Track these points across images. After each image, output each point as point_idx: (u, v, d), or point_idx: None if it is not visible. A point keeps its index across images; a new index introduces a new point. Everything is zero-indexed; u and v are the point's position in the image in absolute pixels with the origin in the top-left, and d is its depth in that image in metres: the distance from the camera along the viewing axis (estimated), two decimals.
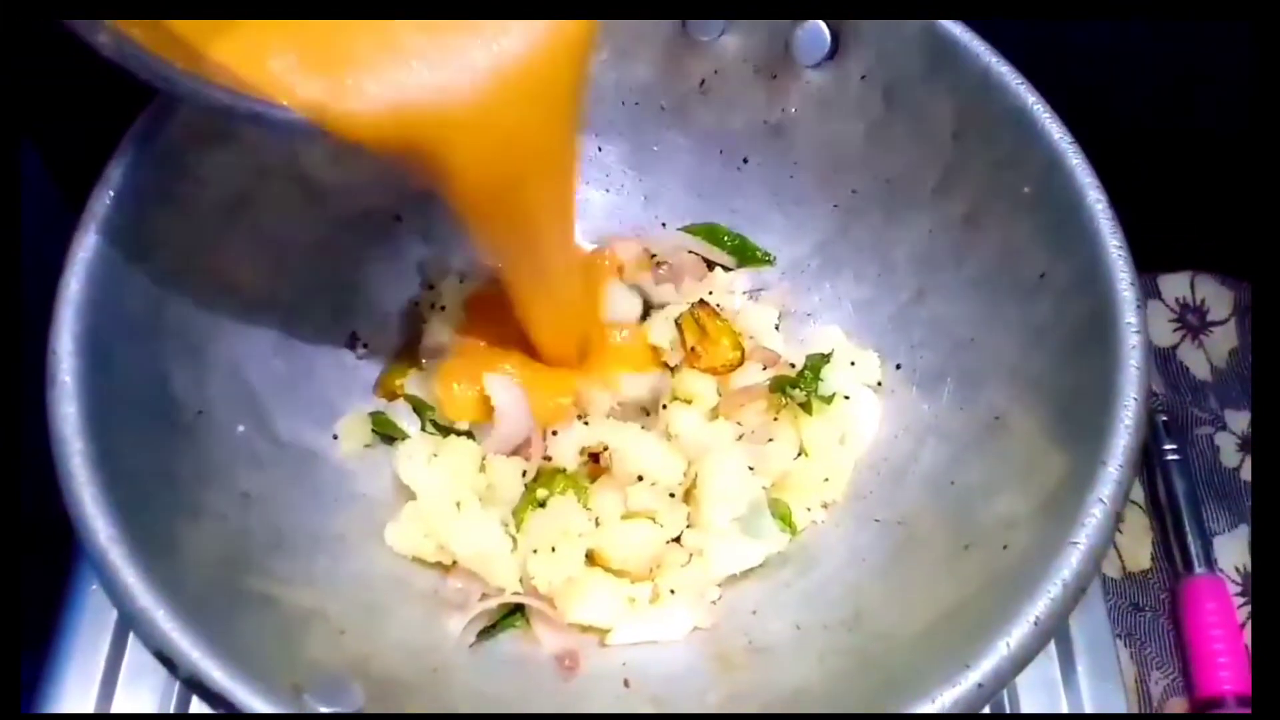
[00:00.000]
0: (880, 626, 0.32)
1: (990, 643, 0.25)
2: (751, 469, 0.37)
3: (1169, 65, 0.53)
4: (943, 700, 0.24)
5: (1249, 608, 0.52)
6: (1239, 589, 0.52)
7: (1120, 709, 0.37)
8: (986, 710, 0.37)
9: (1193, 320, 0.60)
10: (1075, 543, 0.26)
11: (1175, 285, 0.60)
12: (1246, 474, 0.56)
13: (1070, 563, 0.26)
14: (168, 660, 0.24)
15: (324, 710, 0.25)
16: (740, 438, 0.38)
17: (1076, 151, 0.33)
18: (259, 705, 0.24)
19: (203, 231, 0.35)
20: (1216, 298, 0.60)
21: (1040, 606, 0.25)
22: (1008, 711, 0.38)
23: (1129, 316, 0.30)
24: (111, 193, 0.31)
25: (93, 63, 0.25)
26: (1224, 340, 0.59)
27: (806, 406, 0.39)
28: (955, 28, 0.35)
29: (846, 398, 0.39)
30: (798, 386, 0.39)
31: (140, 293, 0.32)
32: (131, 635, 0.38)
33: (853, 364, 0.40)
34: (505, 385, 0.38)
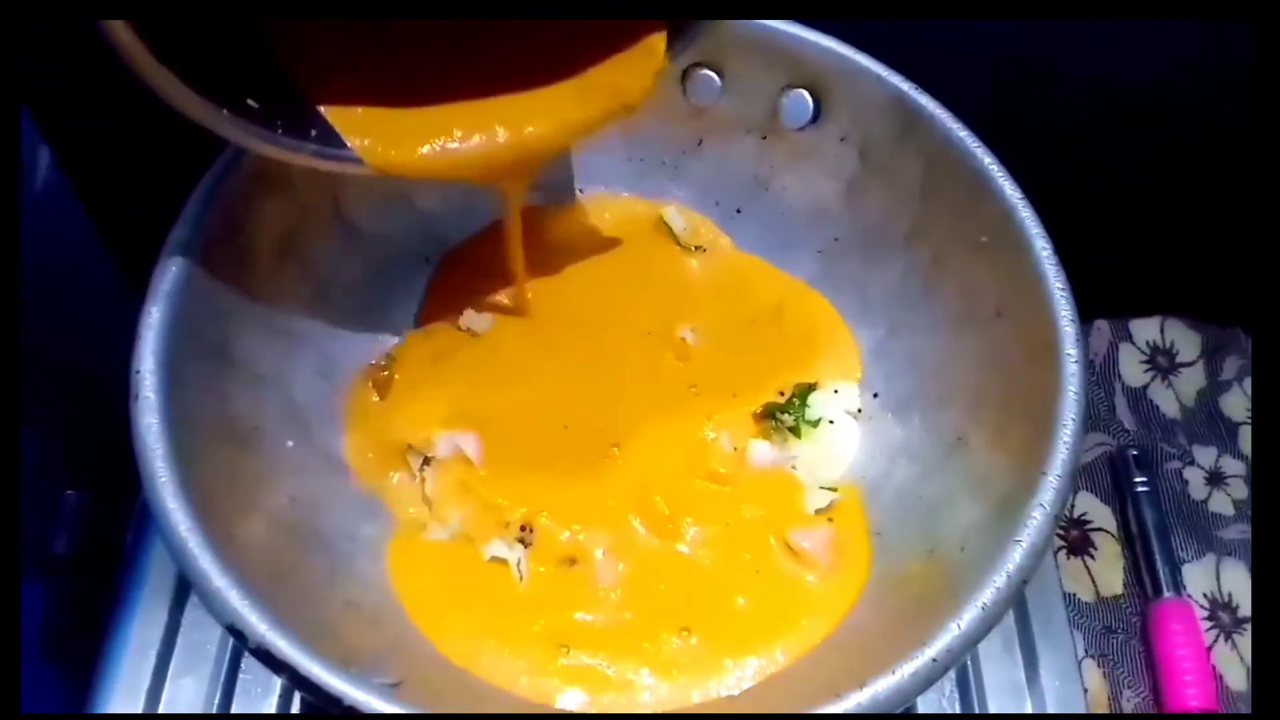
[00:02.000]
0: (858, 621, 0.35)
1: (944, 625, 0.29)
2: None
3: (1138, 125, 0.57)
4: (903, 673, 0.28)
5: (1215, 630, 0.55)
6: (1206, 613, 0.55)
7: (1079, 704, 0.41)
8: (958, 710, 0.41)
9: (1162, 362, 0.63)
10: (1019, 540, 0.30)
11: (1146, 329, 0.63)
12: (1213, 506, 0.59)
13: (1014, 557, 0.30)
14: (238, 633, 0.28)
15: (374, 681, 0.28)
16: None
17: (1026, 206, 0.37)
18: (317, 671, 0.28)
19: (258, 268, 0.39)
20: (1185, 341, 0.63)
21: (987, 595, 0.29)
22: (976, 711, 0.41)
23: (1069, 348, 0.34)
24: (186, 232, 0.36)
25: (104, 59, 0.28)
26: (1192, 381, 0.62)
27: (795, 430, 0.42)
28: (922, 97, 0.40)
29: (831, 422, 0.43)
30: (787, 412, 0.43)
31: (206, 321, 0.36)
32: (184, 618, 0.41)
33: (836, 392, 0.43)
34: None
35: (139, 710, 0.40)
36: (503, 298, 0.44)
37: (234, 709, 0.41)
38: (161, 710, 0.40)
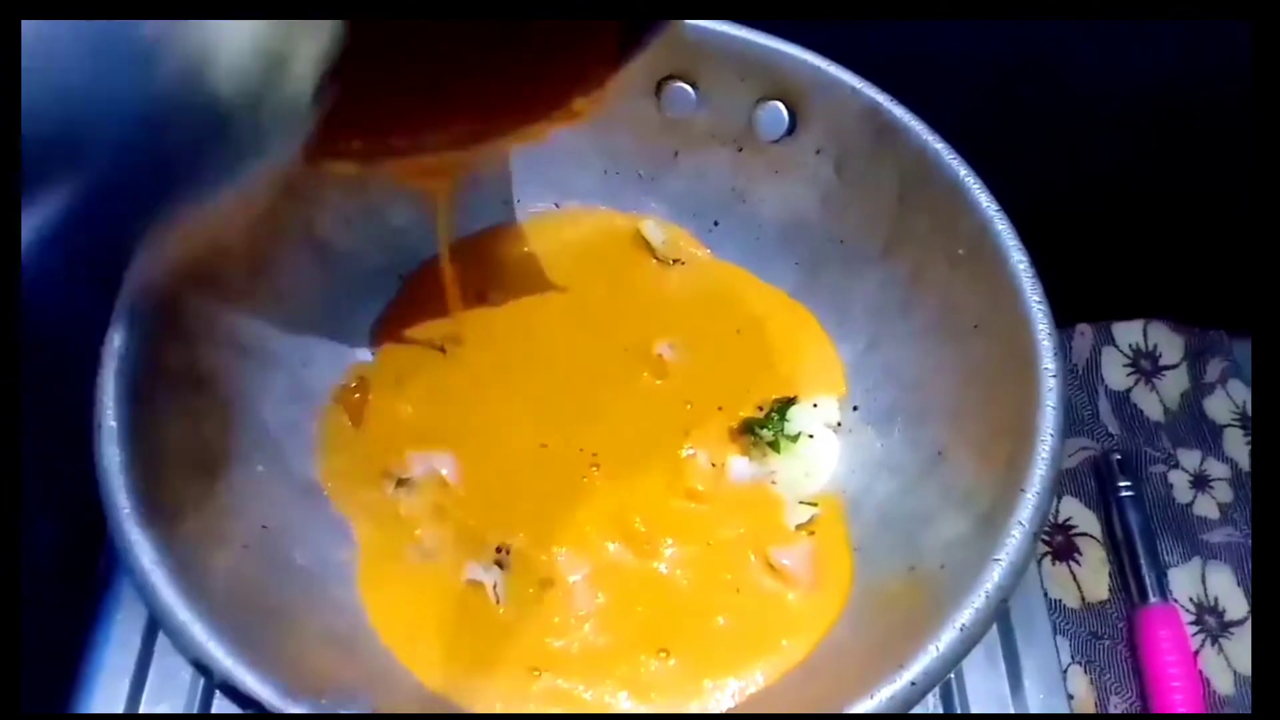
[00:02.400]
0: (837, 640, 0.35)
1: (922, 646, 0.28)
2: None
3: (1121, 127, 0.57)
4: (880, 696, 0.27)
5: (1202, 635, 0.55)
6: (1192, 617, 0.55)
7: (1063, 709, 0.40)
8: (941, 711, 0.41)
9: (1145, 365, 0.62)
10: (998, 559, 0.30)
11: (1129, 333, 0.63)
12: (1198, 509, 0.59)
13: (993, 576, 0.29)
14: (203, 668, 0.28)
15: (342, 712, 0.28)
16: None
17: (1003, 218, 0.37)
18: (284, 706, 0.27)
19: (227, 290, 0.39)
20: (1168, 344, 0.63)
21: (966, 615, 0.29)
22: (958, 712, 0.41)
23: (1047, 362, 0.33)
24: (151, 255, 0.35)
25: None
26: (1175, 383, 0.62)
27: (774, 445, 0.42)
28: (897, 109, 0.40)
29: (810, 436, 0.42)
30: (766, 427, 0.42)
31: (173, 344, 0.35)
32: (157, 646, 0.40)
33: (815, 406, 0.43)
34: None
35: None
36: (467, 314, 0.44)
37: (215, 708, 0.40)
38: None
